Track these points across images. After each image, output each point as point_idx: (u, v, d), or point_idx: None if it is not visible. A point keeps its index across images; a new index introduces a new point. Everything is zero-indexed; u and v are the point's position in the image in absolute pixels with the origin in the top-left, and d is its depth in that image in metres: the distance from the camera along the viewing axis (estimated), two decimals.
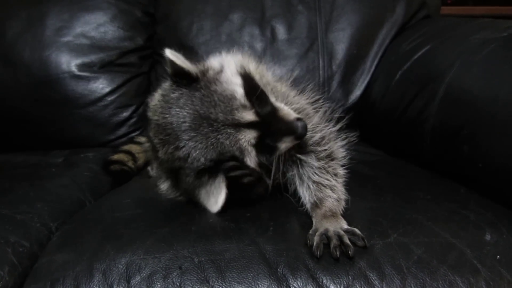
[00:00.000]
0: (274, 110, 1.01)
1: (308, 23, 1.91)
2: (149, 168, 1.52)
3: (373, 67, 1.86)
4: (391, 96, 1.63)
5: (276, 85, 1.21)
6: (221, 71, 1.04)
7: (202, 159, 0.98)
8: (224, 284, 0.84)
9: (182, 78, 1.02)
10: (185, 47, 1.92)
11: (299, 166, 1.12)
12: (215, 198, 1.01)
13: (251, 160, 0.99)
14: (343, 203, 1.08)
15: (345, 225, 0.98)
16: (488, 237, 0.94)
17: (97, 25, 1.94)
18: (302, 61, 1.87)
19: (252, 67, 1.12)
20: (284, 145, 1.00)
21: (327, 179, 1.10)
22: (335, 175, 1.12)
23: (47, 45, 1.87)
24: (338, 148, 1.18)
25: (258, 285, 0.84)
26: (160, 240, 0.93)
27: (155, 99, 1.08)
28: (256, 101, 1.00)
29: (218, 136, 0.97)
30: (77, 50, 1.89)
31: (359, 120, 1.85)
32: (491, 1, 2.93)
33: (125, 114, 1.93)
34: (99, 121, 1.90)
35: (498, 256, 0.89)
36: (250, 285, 0.84)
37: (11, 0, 1.94)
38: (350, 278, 0.85)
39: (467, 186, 1.19)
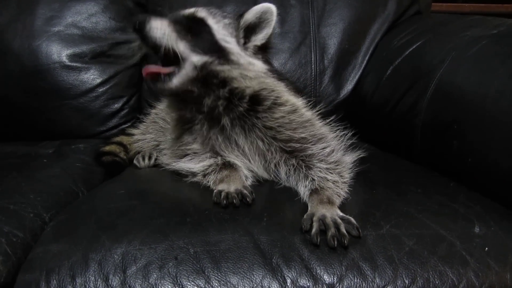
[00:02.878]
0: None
1: (301, 17, 1.92)
2: (135, 161, 1.52)
3: (365, 62, 1.87)
4: (382, 91, 1.65)
5: (303, 111, 1.23)
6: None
7: None
8: (219, 274, 0.85)
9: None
10: None
11: (307, 168, 1.16)
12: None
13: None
14: (341, 198, 1.10)
15: (341, 213, 1.00)
16: (476, 229, 0.97)
17: (89, 15, 1.92)
18: (294, 55, 1.88)
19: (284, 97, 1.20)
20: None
21: (332, 176, 1.13)
22: (341, 176, 1.15)
23: (37, 35, 1.84)
24: (346, 159, 1.22)
25: (253, 275, 0.85)
26: (155, 231, 0.93)
27: None
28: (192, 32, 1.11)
29: None
30: (68, 40, 1.87)
31: (350, 114, 1.87)
32: None
33: (116, 105, 1.92)
34: (90, 112, 1.88)
35: (486, 248, 0.92)
36: (245, 275, 0.85)
37: None
38: (344, 268, 0.87)
39: (457, 180, 1.21)
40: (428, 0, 2.10)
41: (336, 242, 0.90)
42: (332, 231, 0.92)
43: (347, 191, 1.13)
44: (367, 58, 1.88)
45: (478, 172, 1.16)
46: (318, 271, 0.87)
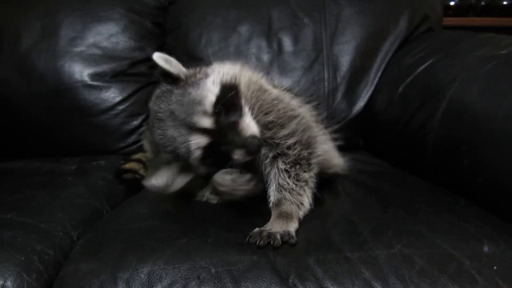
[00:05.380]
0: (236, 123, 1.09)
1: (314, 35, 1.97)
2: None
3: (377, 79, 1.91)
4: (394, 108, 1.69)
5: (268, 91, 1.27)
6: (206, 77, 1.16)
7: (161, 147, 1.12)
8: None
9: (167, 77, 1.17)
10: (194, 58, 1.98)
11: (271, 167, 1.21)
12: (158, 179, 1.14)
13: (194, 161, 1.10)
14: (305, 208, 1.16)
15: (292, 229, 1.07)
16: (486, 248, 0.99)
17: (109, 36, 1.99)
18: (307, 73, 1.93)
19: (245, 78, 1.21)
20: (237, 156, 1.08)
21: (287, 183, 1.18)
22: (298, 180, 1.19)
23: (60, 55, 1.92)
24: (310, 155, 1.23)
25: None
26: (179, 251, 0.99)
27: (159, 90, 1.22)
28: (225, 111, 1.09)
29: (174, 132, 1.09)
30: (89, 60, 1.94)
31: (363, 131, 1.91)
32: (491, 13, 2.98)
33: (135, 122, 1.98)
34: (110, 129, 1.95)
35: (495, 267, 0.94)
36: None
37: (26, 11, 1.99)
38: (356, 287, 0.91)
39: (467, 198, 1.24)
40: (439, 16, 2.13)
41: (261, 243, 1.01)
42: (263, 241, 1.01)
43: (310, 194, 1.19)
44: (379, 75, 1.91)
45: (488, 191, 1.18)
46: None
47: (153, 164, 1.22)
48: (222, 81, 1.15)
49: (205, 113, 1.08)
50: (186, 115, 1.08)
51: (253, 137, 1.06)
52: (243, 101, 1.14)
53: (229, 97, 1.10)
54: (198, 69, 1.22)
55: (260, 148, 1.08)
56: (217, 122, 1.08)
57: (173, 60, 1.18)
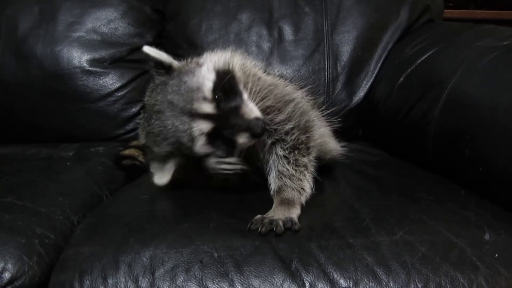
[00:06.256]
0: (238, 107, 1.09)
1: (315, 24, 1.96)
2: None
3: (377, 69, 1.90)
4: (394, 99, 1.69)
5: (263, 77, 1.27)
6: (200, 66, 1.15)
7: (162, 139, 1.10)
8: (242, 277, 0.90)
9: (160, 68, 1.15)
10: (194, 45, 1.97)
11: (269, 153, 1.21)
12: (161, 175, 1.15)
13: (199, 148, 1.08)
14: (306, 193, 1.16)
15: (295, 215, 1.06)
16: (487, 236, 1.00)
17: (108, 21, 1.97)
18: (308, 62, 1.92)
19: (238, 64, 1.20)
20: (242, 140, 1.07)
21: (287, 169, 1.17)
22: (297, 166, 1.19)
23: (59, 40, 1.90)
24: (308, 139, 1.22)
25: (274, 279, 0.90)
26: (181, 236, 0.98)
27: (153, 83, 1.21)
28: (224, 96, 1.09)
29: (175, 121, 1.07)
30: (88, 46, 1.92)
31: (362, 121, 1.91)
32: (492, 5, 2.98)
33: (134, 109, 1.96)
34: (108, 115, 1.93)
35: (496, 255, 0.95)
36: (266, 278, 0.90)
37: None
38: (359, 273, 0.91)
39: (467, 187, 1.25)
40: (440, 8, 2.12)
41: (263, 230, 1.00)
42: (265, 228, 1.00)
43: (310, 179, 1.19)
44: (379, 65, 1.90)
45: (489, 181, 1.19)
46: (335, 276, 0.91)
47: (152, 156, 1.21)
48: (216, 68, 1.14)
49: (205, 98, 1.07)
50: (186, 102, 1.07)
51: (257, 119, 1.06)
52: (241, 86, 1.14)
53: (226, 82, 1.10)
54: (188, 60, 1.21)
55: (264, 131, 1.07)
56: (218, 107, 1.08)
57: (163, 53, 1.18)
